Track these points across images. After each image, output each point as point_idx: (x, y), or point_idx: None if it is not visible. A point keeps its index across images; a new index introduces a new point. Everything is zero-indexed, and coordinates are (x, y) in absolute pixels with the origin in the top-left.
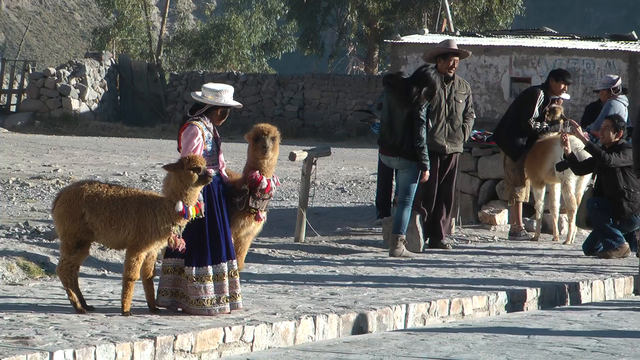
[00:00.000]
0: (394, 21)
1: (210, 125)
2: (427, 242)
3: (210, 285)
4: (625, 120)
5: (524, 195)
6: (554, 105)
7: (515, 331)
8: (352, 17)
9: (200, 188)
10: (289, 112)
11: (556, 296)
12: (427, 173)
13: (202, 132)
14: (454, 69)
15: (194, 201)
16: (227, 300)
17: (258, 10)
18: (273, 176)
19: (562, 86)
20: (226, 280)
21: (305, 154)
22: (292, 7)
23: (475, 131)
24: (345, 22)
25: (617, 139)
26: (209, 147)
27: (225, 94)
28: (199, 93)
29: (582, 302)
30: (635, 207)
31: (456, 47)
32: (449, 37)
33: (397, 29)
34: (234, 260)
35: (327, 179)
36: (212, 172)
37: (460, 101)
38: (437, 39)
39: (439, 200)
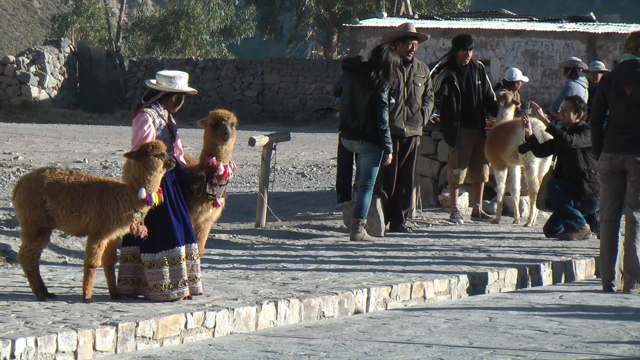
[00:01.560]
0: (352, 5)
1: (164, 112)
2: (387, 226)
3: (166, 270)
4: (585, 101)
5: (462, 177)
6: (502, 91)
7: (477, 314)
8: (311, 1)
9: (161, 174)
10: (248, 97)
11: (517, 279)
12: (391, 156)
13: (153, 119)
14: (412, 52)
15: (157, 187)
16: (184, 284)
17: None
18: (230, 162)
19: (464, 53)
20: (183, 264)
21: (266, 139)
22: None
23: (435, 114)
24: (303, 7)
25: (577, 120)
26: (159, 134)
27: (179, 80)
28: (153, 80)
29: (544, 284)
30: (596, 188)
31: (415, 31)
32: (407, 20)
33: (356, 12)
34: (194, 244)
35: (287, 164)
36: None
37: (420, 84)
38: (396, 22)
39: (399, 183)
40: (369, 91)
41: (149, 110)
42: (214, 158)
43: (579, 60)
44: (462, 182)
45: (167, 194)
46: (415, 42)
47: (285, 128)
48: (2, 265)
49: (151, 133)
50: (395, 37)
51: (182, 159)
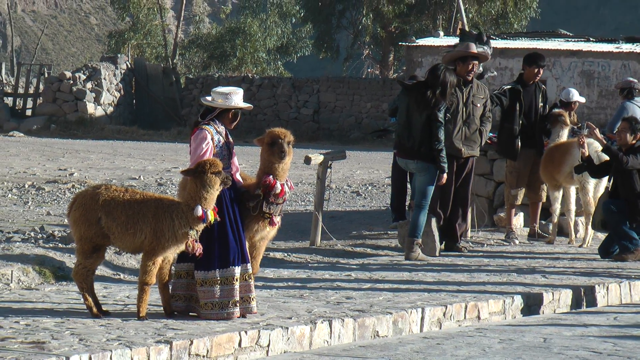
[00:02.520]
0: (408, 24)
1: (222, 129)
2: (442, 245)
3: (217, 288)
4: None
5: (520, 197)
6: (558, 110)
7: (531, 335)
8: (367, 19)
9: (217, 192)
10: (304, 115)
11: (572, 300)
12: (445, 176)
13: (212, 136)
14: (473, 72)
15: (212, 205)
16: (235, 304)
17: (273, 13)
18: (287, 180)
19: (536, 70)
20: (236, 284)
21: (321, 158)
22: (307, 10)
23: (491, 134)
24: (360, 25)
25: (634, 141)
26: (218, 151)
27: (235, 96)
28: (209, 97)
29: (599, 305)
30: None
31: (475, 50)
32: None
33: (412, 31)
34: (248, 264)
35: (342, 183)
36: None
37: (478, 105)
38: (452, 41)
39: (455, 203)
40: (425, 110)
41: (207, 127)
42: (271, 176)
43: (635, 80)
44: (519, 202)
45: (226, 212)
46: (476, 62)
47: (340, 146)
48: (57, 282)
49: (209, 150)
50: (456, 56)
51: (238, 176)
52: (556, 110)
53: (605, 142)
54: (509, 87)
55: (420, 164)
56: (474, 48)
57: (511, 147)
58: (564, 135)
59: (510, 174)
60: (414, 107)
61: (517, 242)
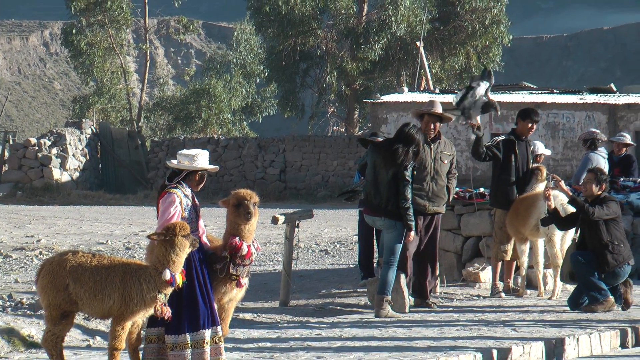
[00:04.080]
0: (373, 81)
1: (189, 192)
2: (412, 301)
3: (188, 352)
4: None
5: (509, 253)
6: (536, 165)
7: None
8: (331, 77)
9: (185, 255)
10: (270, 175)
11: (543, 352)
12: (412, 233)
13: (180, 200)
14: (433, 131)
15: (180, 268)
16: None
17: (237, 74)
18: (253, 241)
19: (530, 125)
20: (207, 348)
21: (283, 218)
22: (271, 69)
23: (457, 188)
24: (324, 83)
25: (600, 192)
26: (186, 214)
27: (200, 158)
28: (174, 160)
29: (569, 357)
30: (620, 259)
31: (439, 109)
32: (433, 97)
33: (377, 88)
34: (218, 327)
35: (310, 241)
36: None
37: (445, 162)
38: (417, 97)
39: (424, 260)
40: (392, 167)
41: (175, 190)
42: (237, 238)
43: (598, 131)
44: (508, 257)
45: (194, 275)
46: (438, 122)
47: (308, 205)
48: (26, 350)
49: (177, 214)
50: (422, 113)
51: (205, 238)
52: (535, 164)
53: (571, 193)
54: (502, 138)
55: (388, 222)
56: (438, 106)
57: (507, 198)
58: (540, 189)
59: (500, 229)
60: (382, 165)
61: (502, 296)
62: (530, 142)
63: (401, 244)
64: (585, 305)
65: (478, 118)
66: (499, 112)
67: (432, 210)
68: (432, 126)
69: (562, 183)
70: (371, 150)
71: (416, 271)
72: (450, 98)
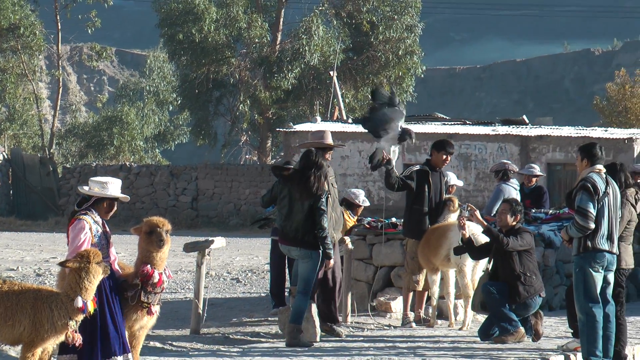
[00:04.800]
0: (286, 110)
1: (99, 219)
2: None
3: None
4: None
5: (421, 283)
6: (448, 196)
7: None
8: (244, 106)
9: (97, 282)
10: (182, 202)
11: None
12: (332, 261)
13: (90, 226)
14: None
15: (92, 295)
16: None
17: (150, 101)
18: (165, 269)
19: (444, 156)
20: None
21: (201, 245)
22: (184, 97)
23: (369, 218)
24: (237, 112)
25: (514, 223)
26: (96, 241)
27: (111, 186)
28: (86, 187)
29: None
30: (531, 291)
31: (330, 140)
32: (323, 127)
33: (290, 117)
34: (129, 354)
35: (222, 269)
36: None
37: (335, 187)
38: (330, 127)
39: (332, 288)
40: (308, 199)
41: (85, 217)
42: (149, 266)
43: (509, 162)
44: (420, 287)
45: (106, 302)
46: (330, 151)
47: (219, 233)
48: None
49: (87, 241)
50: (313, 146)
51: (116, 265)
52: (447, 195)
53: (485, 223)
54: (417, 169)
55: (303, 252)
56: (329, 137)
57: (419, 229)
58: (452, 220)
59: (412, 259)
60: (297, 197)
61: (413, 326)
62: (444, 173)
63: (316, 274)
64: (495, 336)
65: (395, 150)
66: (413, 141)
67: (335, 238)
68: (327, 156)
69: (477, 213)
70: (283, 182)
71: (322, 297)
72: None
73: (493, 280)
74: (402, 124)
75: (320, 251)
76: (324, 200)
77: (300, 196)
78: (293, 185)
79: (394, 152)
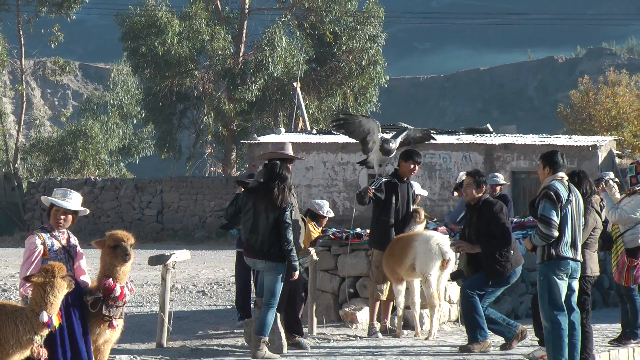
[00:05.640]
0: (250, 121)
1: (60, 234)
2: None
3: None
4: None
5: (385, 293)
6: (414, 207)
7: None
8: (209, 118)
9: (62, 296)
10: (147, 216)
11: None
12: (297, 273)
13: (43, 241)
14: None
15: (57, 310)
16: None
17: (114, 115)
18: (127, 283)
19: (412, 166)
20: None
21: (166, 259)
22: (148, 110)
23: (334, 229)
24: (201, 124)
25: (480, 195)
26: (52, 256)
27: (72, 197)
28: (49, 197)
29: None
30: (509, 266)
31: (291, 152)
32: (282, 139)
33: (254, 129)
34: None
35: (188, 282)
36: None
37: (295, 197)
38: (294, 138)
39: (293, 299)
40: (273, 212)
41: (39, 232)
42: (111, 279)
43: (464, 173)
44: (384, 297)
45: (73, 316)
46: (291, 163)
47: (185, 246)
48: None
49: (35, 255)
50: (273, 157)
51: (85, 278)
52: (413, 207)
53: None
54: (385, 180)
55: (269, 264)
56: (290, 150)
57: (385, 239)
58: (416, 231)
59: (376, 268)
60: (262, 209)
61: (379, 336)
62: (411, 184)
63: (281, 286)
64: (462, 345)
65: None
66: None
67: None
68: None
69: (465, 245)
70: (247, 195)
71: (285, 309)
72: (328, 138)
73: (469, 266)
74: (380, 134)
75: (283, 264)
76: (288, 213)
77: (265, 209)
78: (257, 198)
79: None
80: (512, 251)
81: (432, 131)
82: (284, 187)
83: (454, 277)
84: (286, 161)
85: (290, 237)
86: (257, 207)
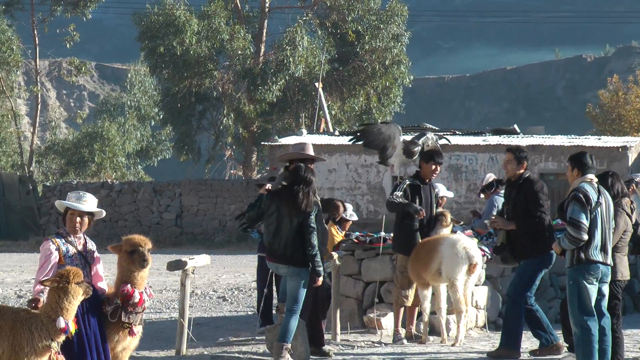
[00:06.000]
0: (271, 123)
1: (76, 239)
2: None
3: None
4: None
5: (411, 298)
6: (440, 210)
7: None
8: (228, 120)
9: (79, 302)
10: (166, 220)
11: None
12: (321, 278)
13: (58, 247)
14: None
15: (73, 316)
16: None
17: (132, 116)
18: (145, 288)
19: (433, 167)
20: None
21: (185, 263)
22: (166, 112)
23: (357, 233)
24: (221, 126)
25: (522, 171)
26: (67, 262)
27: (84, 198)
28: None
29: None
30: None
31: (311, 151)
32: (302, 139)
33: (275, 130)
34: None
35: (208, 288)
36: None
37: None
38: (316, 139)
39: (316, 305)
40: (296, 216)
41: (54, 238)
42: (129, 285)
43: (492, 174)
44: (409, 303)
45: (90, 323)
46: (313, 164)
47: (205, 251)
48: None
49: (51, 261)
50: (292, 158)
51: (102, 285)
52: (439, 209)
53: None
54: (408, 183)
55: (292, 269)
56: (311, 150)
57: (410, 244)
58: (442, 234)
59: (401, 274)
60: (285, 213)
61: (405, 342)
62: (434, 185)
63: (304, 292)
64: (490, 351)
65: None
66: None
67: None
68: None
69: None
70: (270, 199)
71: (307, 317)
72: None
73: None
74: (402, 137)
75: (306, 269)
76: (313, 217)
77: (289, 213)
78: (281, 202)
79: (406, 163)
80: (547, 233)
81: (446, 135)
82: (308, 190)
83: (497, 251)
84: (307, 162)
85: (315, 241)
86: (280, 211)
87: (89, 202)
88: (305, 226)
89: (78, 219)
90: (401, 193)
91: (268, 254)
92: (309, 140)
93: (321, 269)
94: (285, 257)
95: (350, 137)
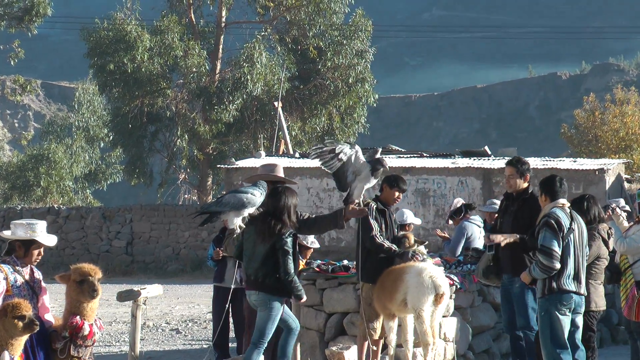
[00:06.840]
0: (227, 144)
1: (24, 269)
2: None
3: None
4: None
5: (378, 331)
6: (402, 232)
7: None
8: (182, 141)
9: (25, 337)
10: (116, 247)
11: None
12: (304, 299)
13: (6, 276)
14: None
15: (20, 350)
16: None
17: (79, 138)
18: (95, 320)
19: (397, 194)
20: None
21: (136, 294)
22: (116, 133)
23: (319, 261)
24: (175, 147)
25: (525, 185)
26: (15, 292)
27: (38, 227)
28: (7, 232)
29: None
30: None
31: (281, 174)
32: (272, 161)
33: (232, 152)
34: None
35: (160, 320)
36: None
37: None
38: (275, 162)
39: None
40: (270, 239)
41: (2, 266)
42: (78, 317)
43: (460, 199)
44: (377, 336)
45: (37, 357)
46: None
47: (157, 280)
48: None
49: (0, 291)
50: (262, 179)
51: (49, 317)
52: (401, 232)
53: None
54: (374, 206)
55: (262, 297)
56: (281, 172)
57: (377, 272)
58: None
59: (368, 305)
60: (260, 237)
61: None
62: (392, 211)
63: (274, 325)
64: None
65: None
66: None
67: None
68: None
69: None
70: (248, 223)
71: (270, 352)
72: (312, 163)
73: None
74: (364, 158)
75: (278, 301)
76: (289, 239)
77: (263, 237)
78: (256, 225)
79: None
80: None
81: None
82: (286, 215)
83: (485, 274)
84: (276, 184)
85: (291, 266)
86: (254, 235)
87: (44, 231)
88: (279, 249)
89: (36, 251)
90: (379, 229)
91: (245, 281)
92: (267, 162)
93: (302, 292)
94: (256, 282)
95: (312, 155)
